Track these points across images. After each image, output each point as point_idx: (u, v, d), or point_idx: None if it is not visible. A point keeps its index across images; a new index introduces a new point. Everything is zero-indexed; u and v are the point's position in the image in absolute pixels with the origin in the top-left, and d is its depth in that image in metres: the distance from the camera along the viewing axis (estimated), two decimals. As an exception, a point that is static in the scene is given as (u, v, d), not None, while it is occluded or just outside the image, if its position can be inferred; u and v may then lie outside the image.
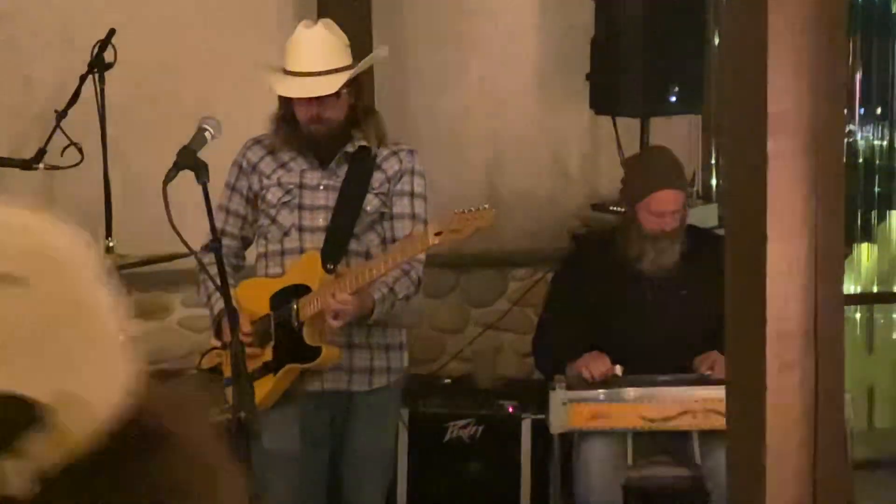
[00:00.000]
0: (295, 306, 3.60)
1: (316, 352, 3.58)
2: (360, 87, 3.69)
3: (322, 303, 3.51)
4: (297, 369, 3.63)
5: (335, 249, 3.64)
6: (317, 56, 3.57)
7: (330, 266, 3.60)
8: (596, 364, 4.13)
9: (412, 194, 3.71)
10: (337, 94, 3.57)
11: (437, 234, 3.39)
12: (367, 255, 3.67)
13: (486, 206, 3.43)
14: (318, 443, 3.76)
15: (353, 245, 3.67)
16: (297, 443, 3.69)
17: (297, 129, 3.66)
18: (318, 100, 3.56)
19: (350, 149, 3.68)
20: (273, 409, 3.67)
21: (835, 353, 2.56)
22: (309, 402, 3.72)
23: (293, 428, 3.68)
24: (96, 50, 4.35)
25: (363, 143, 3.68)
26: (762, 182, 2.44)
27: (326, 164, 3.70)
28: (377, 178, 3.69)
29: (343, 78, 3.54)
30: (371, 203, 3.68)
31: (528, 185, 5.46)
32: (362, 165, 3.68)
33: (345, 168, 3.69)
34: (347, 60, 3.63)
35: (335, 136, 3.65)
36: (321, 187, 3.70)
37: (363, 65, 3.64)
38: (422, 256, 3.68)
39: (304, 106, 3.59)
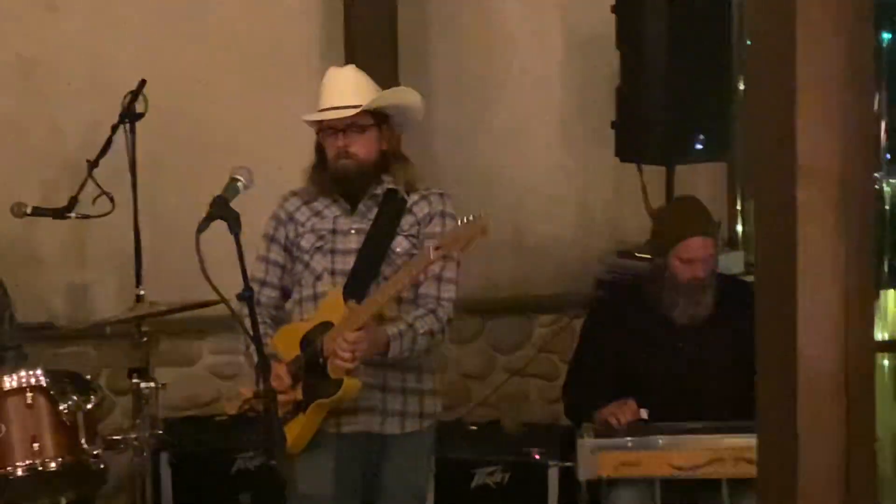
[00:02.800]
0: (321, 343, 3.63)
1: (338, 383, 3.61)
2: (390, 132, 3.77)
3: (336, 341, 3.54)
4: (326, 405, 3.66)
5: (358, 286, 3.67)
6: (346, 91, 3.68)
7: (351, 301, 3.63)
8: (623, 410, 4.13)
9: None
10: (362, 129, 3.64)
11: (437, 248, 3.42)
12: (399, 300, 3.69)
13: (483, 213, 3.45)
14: (351, 486, 3.77)
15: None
16: (331, 487, 3.71)
17: (329, 177, 3.73)
18: (344, 133, 3.65)
19: (379, 191, 3.74)
20: (307, 452, 3.69)
21: (866, 400, 2.56)
22: (342, 446, 3.74)
23: (327, 472, 3.70)
24: (127, 100, 4.41)
25: (392, 185, 3.73)
26: (791, 231, 2.45)
27: (356, 206, 3.74)
28: (407, 220, 3.75)
29: (366, 102, 3.63)
30: (401, 245, 3.72)
31: (554, 231, 5.49)
32: (392, 207, 3.74)
33: (375, 211, 3.75)
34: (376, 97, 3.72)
35: (365, 177, 3.70)
36: (352, 231, 3.75)
37: (387, 98, 3.72)
38: (451, 295, 3.70)
39: (330, 139, 3.68)
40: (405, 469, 3.82)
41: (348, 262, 3.73)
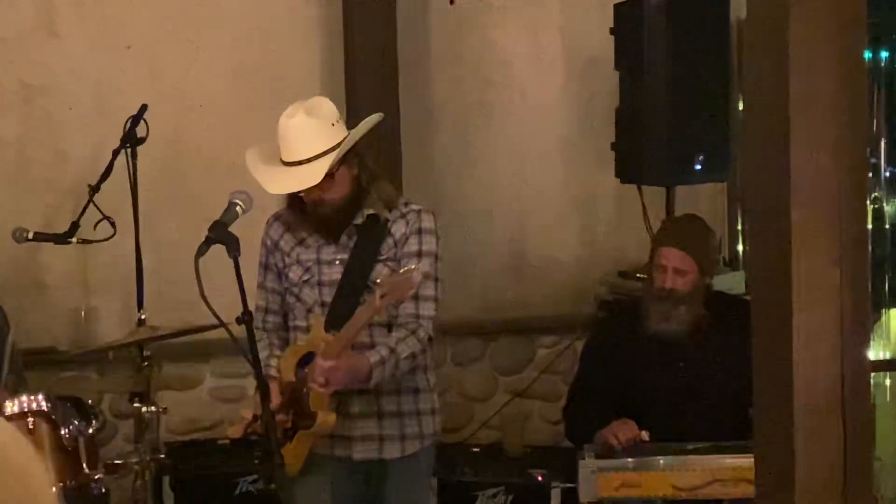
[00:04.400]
0: (305, 373, 3.64)
1: (313, 416, 3.61)
2: (358, 157, 3.67)
3: (312, 371, 3.55)
4: (308, 435, 3.66)
5: (339, 315, 3.65)
6: (300, 145, 3.57)
7: (332, 331, 3.63)
8: (622, 430, 4.13)
9: (419, 254, 3.70)
10: (331, 175, 3.58)
11: (382, 296, 3.40)
12: (371, 324, 3.64)
13: (412, 265, 3.45)
14: None
15: None
16: None
17: (307, 206, 3.70)
18: (317, 185, 3.58)
19: (359, 220, 3.70)
20: (304, 476, 3.69)
21: (863, 420, 2.56)
22: (341, 468, 3.74)
23: (324, 494, 3.70)
24: (129, 125, 4.43)
25: (371, 211, 3.70)
26: (787, 251, 2.47)
27: (338, 239, 3.73)
28: (387, 244, 3.71)
29: (327, 162, 3.55)
30: (381, 273, 3.67)
31: (555, 252, 5.50)
32: (370, 235, 3.70)
33: (356, 240, 3.72)
34: (336, 138, 3.61)
35: (344, 210, 3.68)
36: (336, 262, 3.73)
37: (350, 141, 3.62)
38: (430, 313, 3.68)
39: (305, 192, 3.63)
40: (406, 490, 3.82)
41: (334, 294, 3.73)
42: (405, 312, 3.68)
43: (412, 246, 3.70)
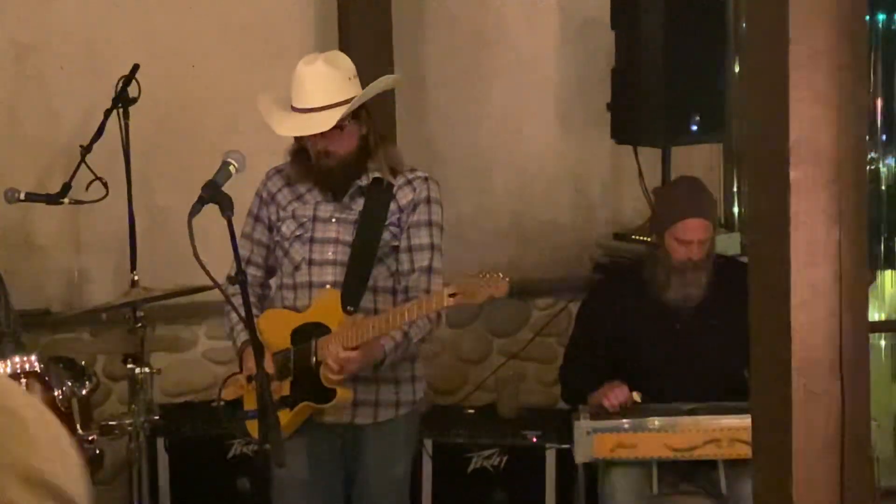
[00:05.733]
0: (314, 345, 3.61)
1: (330, 394, 3.59)
2: (369, 117, 3.66)
3: (330, 353, 3.52)
4: (314, 408, 3.64)
5: (355, 288, 3.63)
6: (316, 92, 3.55)
7: (350, 308, 3.59)
8: (615, 393, 4.13)
9: (430, 223, 3.68)
10: (340, 128, 3.56)
11: (452, 295, 3.36)
12: (375, 290, 3.65)
13: (502, 275, 3.39)
14: (327, 471, 3.75)
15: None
16: (305, 470, 3.69)
17: (311, 161, 3.67)
18: (324, 134, 3.56)
19: (364, 181, 3.67)
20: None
21: (860, 380, 2.55)
22: (316, 432, 3.71)
23: (300, 456, 3.66)
24: (120, 85, 4.39)
25: (377, 174, 3.67)
26: (785, 211, 2.45)
27: (340, 198, 3.70)
28: (391, 210, 3.67)
29: (339, 112, 3.52)
30: (382, 237, 3.66)
31: (550, 214, 5.47)
32: (378, 200, 3.67)
33: (359, 202, 3.68)
34: (351, 92, 3.59)
35: (349, 168, 3.65)
36: (333, 220, 3.69)
37: (364, 96, 3.61)
38: (439, 288, 3.61)
39: (311, 141, 3.61)
40: (381, 458, 3.75)
41: (325, 252, 3.67)
42: (415, 285, 3.64)
43: (421, 215, 3.67)
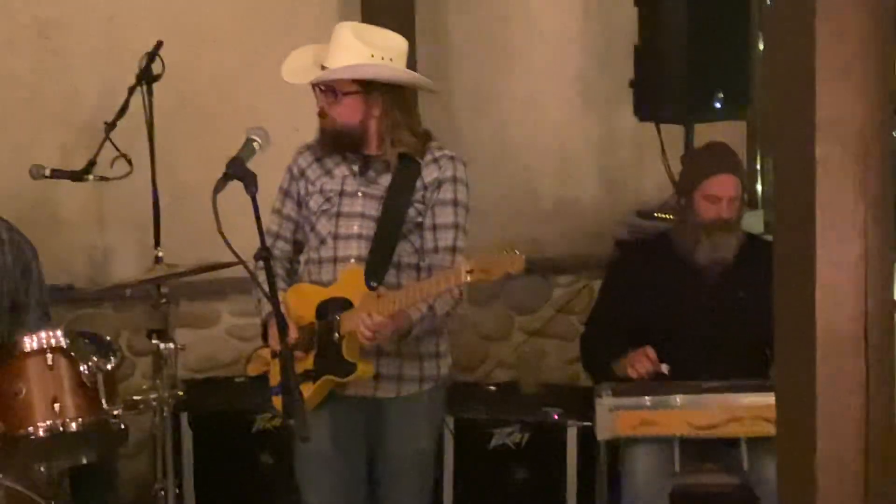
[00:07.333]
0: (338, 319, 3.62)
1: (352, 367, 3.60)
2: (385, 100, 3.61)
3: (358, 322, 3.53)
4: (335, 382, 3.66)
5: (379, 264, 3.64)
6: (337, 53, 3.58)
7: (373, 283, 3.61)
8: (642, 362, 4.13)
9: (455, 203, 3.68)
10: (334, 93, 3.58)
11: (469, 271, 3.35)
12: (398, 266, 3.66)
13: (517, 251, 3.37)
14: (350, 444, 3.76)
15: None
16: (328, 443, 3.71)
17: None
18: (324, 94, 3.59)
19: (390, 157, 3.67)
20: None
21: (886, 358, 2.54)
22: (339, 405, 3.73)
23: (322, 429, 3.68)
24: (144, 62, 4.40)
25: (403, 150, 3.67)
26: (810, 188, 2.43)
27: (366, 172, 3.71)
28: (416, 187, 3.67)
29: (343, 73, 3.54)
30: (407, 213, 3.67)
31: (572, 191, 5.47)
32: (405, 175, 3.67)
33: (385, 177, 3.69)
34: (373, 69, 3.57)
35: (344, 141, 3.65)
36: (359, 194, 3.70)
37: (380, 74, 3.58)
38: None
39: (316, 98, 3.64)
40: (404, 432, 3.76)
41: (351, 226, 3.68)
42: (439, 264, 3.64)
43: (446, 193, 3.67)
